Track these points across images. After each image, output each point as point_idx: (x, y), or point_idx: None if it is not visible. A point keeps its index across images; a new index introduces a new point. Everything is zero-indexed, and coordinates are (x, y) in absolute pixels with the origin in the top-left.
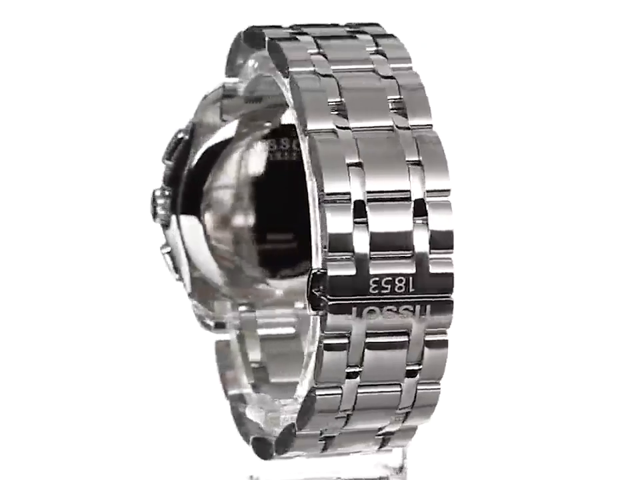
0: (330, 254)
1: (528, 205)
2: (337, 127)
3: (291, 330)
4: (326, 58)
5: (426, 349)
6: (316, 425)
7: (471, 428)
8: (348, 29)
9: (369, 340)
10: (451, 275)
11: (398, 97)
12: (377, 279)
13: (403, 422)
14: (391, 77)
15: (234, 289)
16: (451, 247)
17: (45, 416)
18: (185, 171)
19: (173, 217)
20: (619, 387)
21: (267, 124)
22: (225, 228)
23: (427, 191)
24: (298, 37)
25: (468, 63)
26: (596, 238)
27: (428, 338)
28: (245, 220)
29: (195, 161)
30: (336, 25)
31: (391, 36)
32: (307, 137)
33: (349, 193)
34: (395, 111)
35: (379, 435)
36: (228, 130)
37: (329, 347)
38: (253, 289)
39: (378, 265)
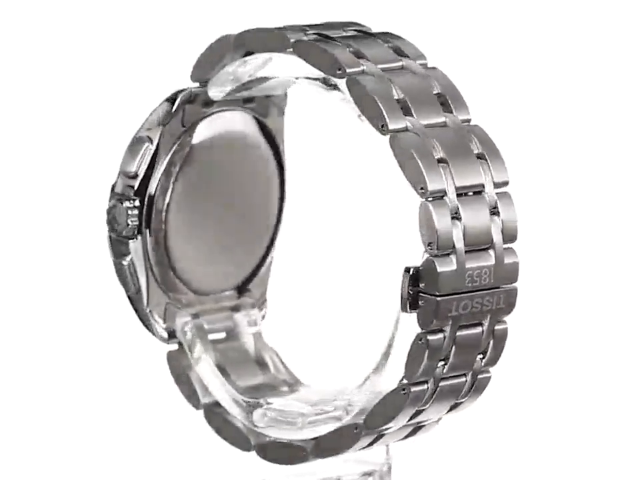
0: (437, 251)
1: (531, 205)
2: (409, 124)
3: (222, 335)
4: (366, 58)
5: (491, 339)
6: (392, 422)
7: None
8: (344, 28)
9: (458, 333)
10: (518, 264)
11: (438, 92)
12: (471, 272)
13: (448, 411)
14: (425, 74)
15: (179, 297)
16: (516, 237)
17: (23, 435)
18: (151, 181)
19: (141, 229)
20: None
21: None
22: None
23: (494, 183)
24: (325, 38)
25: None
26: (601, 235)
27: (495, 327)
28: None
29: (160, 172)
30: (329, 25)
31: (394, 35)
32: (388, 136)
33: (445, 190)
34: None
35: (417, 428)
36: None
37: (429, 344)
38: (190, 298)
39: (471, 259)
